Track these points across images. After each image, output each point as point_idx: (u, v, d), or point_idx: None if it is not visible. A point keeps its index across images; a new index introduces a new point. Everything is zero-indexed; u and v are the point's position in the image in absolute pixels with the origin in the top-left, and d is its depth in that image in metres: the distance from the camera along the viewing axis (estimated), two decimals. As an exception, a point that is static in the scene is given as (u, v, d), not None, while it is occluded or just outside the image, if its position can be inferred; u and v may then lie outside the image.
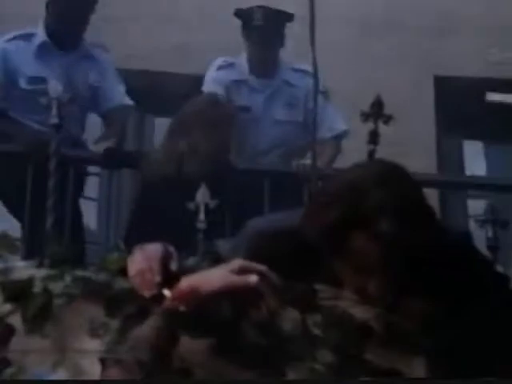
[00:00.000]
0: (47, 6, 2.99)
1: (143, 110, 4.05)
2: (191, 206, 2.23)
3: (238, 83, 3.23)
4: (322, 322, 1.52)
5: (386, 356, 1.52)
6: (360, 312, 1.55)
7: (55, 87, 2.45)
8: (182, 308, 1.37)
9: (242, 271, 1.40)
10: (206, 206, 2.20)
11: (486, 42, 4.02)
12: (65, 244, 1.56)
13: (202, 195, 2.24)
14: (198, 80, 3.30)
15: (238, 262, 1.43)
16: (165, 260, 1.45)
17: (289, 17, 3.25)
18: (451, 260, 1.53)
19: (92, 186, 3.58)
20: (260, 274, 1.40)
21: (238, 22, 3.21)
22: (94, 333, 1.46)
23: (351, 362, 1.49)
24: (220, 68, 3.27)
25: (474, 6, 4.07)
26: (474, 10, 4.08)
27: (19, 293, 1.44)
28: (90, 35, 3.09)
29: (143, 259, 1.46)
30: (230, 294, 1.40)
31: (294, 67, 3.25)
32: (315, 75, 2.17)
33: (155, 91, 4.05)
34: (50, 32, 3.00)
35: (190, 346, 1.47)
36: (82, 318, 1.47)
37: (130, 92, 3.22)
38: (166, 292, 1.39)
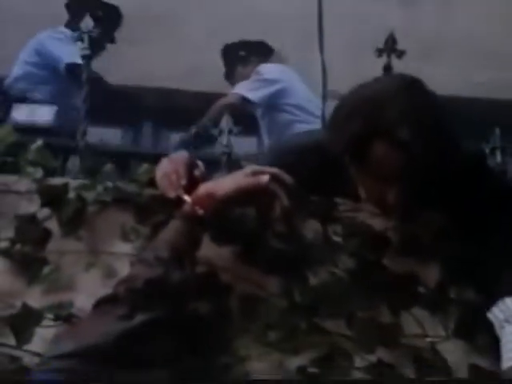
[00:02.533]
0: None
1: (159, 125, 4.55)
2: (215, 131, 2.31)
3: None
4: (342, 232, 1.59)
5: (403, 262, 1.59)
6: (378, 223, 1.62)
7: (87, 23, 2.57)
8: (200, 212, 1.45)
9: (255, 174, 1.47)
10: (230, 131, 2.27)
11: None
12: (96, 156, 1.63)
13: (226, 122, 2.31)
14: (209, 97, 3.69)
15: (250, 167, 1.50)
16: (190, 166, 1.53)
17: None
18: (466, 173, 1.59)
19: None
20: (272, 175, 1.47)
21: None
22: (125, 238, 1.54)
23: (369, 267, 1.56)
24: None
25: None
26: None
27: (55, 198, 1.53)
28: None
29: (170, 163, 1.54)
30: (244, 196, 1.47)
31: None
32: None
33: (170, 107, 4.45)
34: None
35: (216, 251, 1.56)
36: (114, 225, 1.55)
37: (146, 108, 3.64)
38: (187, 197, 1.47)
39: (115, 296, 1.41)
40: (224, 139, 2.29)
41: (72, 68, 3.53)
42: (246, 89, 3.99)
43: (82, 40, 2.55)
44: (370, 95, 1.52)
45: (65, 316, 1.45)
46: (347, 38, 4.36)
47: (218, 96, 3.92)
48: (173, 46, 4.45)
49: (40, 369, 1.32)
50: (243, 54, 4.15)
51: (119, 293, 1.41)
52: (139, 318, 1.37)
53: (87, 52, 2.56)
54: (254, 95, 3.94)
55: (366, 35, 3.86)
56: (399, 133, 1.45)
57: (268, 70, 4.10)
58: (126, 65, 3.97)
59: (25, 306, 1.44)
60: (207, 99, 3.83)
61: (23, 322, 1.43)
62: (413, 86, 1.53)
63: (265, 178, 1.47)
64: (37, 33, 3.90)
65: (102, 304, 1.42)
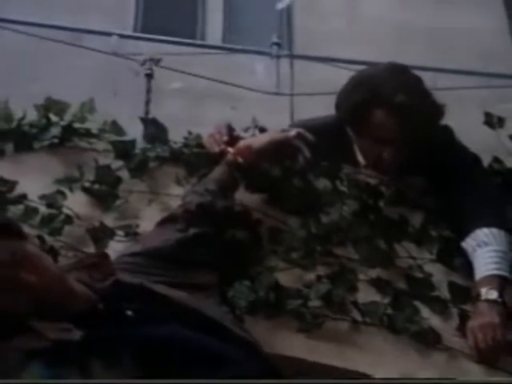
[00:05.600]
0: None
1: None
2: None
3: None
4: (346, 184, 2.04)
5: (395, 209, 2.02)
6: (373, 181, 2.07)
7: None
8: (240, 160, 1.90)
9: (284, 131, 1.95)
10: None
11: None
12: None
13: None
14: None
15: (280, 129, 1.98)
16: (230, 129, 2.00)
17: None
18: (439, 144, 2.07)
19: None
20: (297, 133, 1.94)
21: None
22: (178, 183, 1.98)
23: (369, 210, 1.99)
24: None
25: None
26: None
27: (125, 152, 1.98)
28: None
29: (214, 128, 2.01)
30: (274, 149, 1.93)
31: None
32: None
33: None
34: None
35: (249, 197, 2.00)
36: (170, 175, 2.00)
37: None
38: (229, 148, 1.93)
39: (174, 216, 1.84)
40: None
41: None
42: None
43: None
44: (371, 73, 2.03)
45: (132, 233, 1.86)
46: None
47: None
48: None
49: (115, 262, 1.72)
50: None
51: (177, 213, 1.84)
52: (192, 231, 1.79)
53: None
54: None
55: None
56: (395, 98, 1.94)
57: None
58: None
59: (102, 224, 1.86)
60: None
61: (101, 235, 1.84)
62: (403, 69, 2.04)
63: (291, 133, 1.94)
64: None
65: (164, 221, 1.84)
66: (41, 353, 1.38)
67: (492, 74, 4.34)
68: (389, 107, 1.95)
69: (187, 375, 1.41)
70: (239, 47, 4.61)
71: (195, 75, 4.01)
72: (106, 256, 1.64)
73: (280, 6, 4.76)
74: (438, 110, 2.01)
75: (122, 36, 4.16)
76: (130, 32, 4.55)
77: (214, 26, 5.37)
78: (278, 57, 4.40)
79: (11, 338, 1.41)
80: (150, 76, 3.52)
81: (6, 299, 1.42)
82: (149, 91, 3.57)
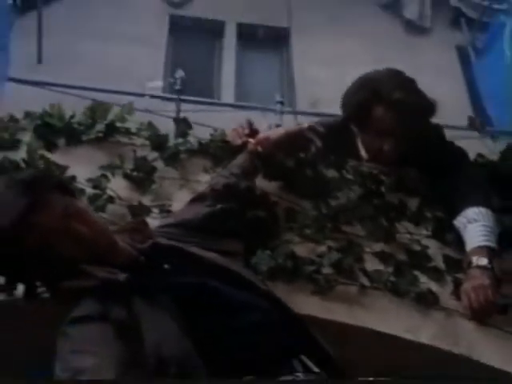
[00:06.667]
0: None
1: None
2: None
3: None
4: (352, 173, 2.33)
5: (395, 195, 2.31)
6: (375, 171, 2.35)
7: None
8: (259, 149, 2.19)
9: (298, 125, 2.25)
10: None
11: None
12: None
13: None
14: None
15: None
16: (250, 124, 2.30)
17: None
18: (430, 139, 2.37)
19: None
20: (310, 126, 2.24)
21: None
22: (205, 171, 2.27)
23: (372, 195, 2.28)
24: None
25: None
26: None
27: (160, 144, 2.27)
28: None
29: (236, 124, 2.31)
30: (289, 140, 2.23)
31: None
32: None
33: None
34: None
35: (267, 184, 2.28)
36: (199, 165, 2.29)
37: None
38: (250, 139, 2.22)
39: (203, 194, 2.11)
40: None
41: None
42: None
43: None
44: (371, 76, 2.34)
45: (165, 211, 2.14)
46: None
47: None
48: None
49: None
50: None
51: (206, 192, 2.11)
52: (219, 206, 2.06)
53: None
54: None
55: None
56: (393, 95, 2.25)
57: None
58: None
59: (140, 203, 2.14)
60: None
61: (139, 212, 2.11)
62: (399, 72, 2.36)
63: (304, 126, 2.24)
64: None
65: (194, 200, 2.11)
66: (91, 290, 1.59)
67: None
68: (387, 103, 2.26)
69: (216, 319, 1.59)
70: (249, 105, 5.32)
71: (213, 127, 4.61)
72: (145, 222, 1.89)
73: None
74: (430, 105, 2.32)
75: (152, 96, 4.97)
76: (159, 93, 5.35)
77: (227, 87, 6.44)
78: (282, 113, 4.98)
79: (66, 279, 1.63)
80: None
81: (61, 247, 1.63)
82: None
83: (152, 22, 6.63)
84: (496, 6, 5.60)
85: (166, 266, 1.69)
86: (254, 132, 2.27)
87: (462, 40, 6.60)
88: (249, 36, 6.99)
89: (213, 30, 6.93)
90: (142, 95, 4.83)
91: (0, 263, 1.68)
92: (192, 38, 6.84)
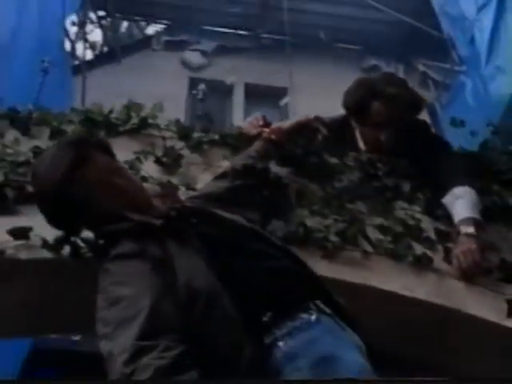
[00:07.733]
0: None
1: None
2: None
3: None
4: (352, 160, 2.66)
5: (390, 179, 2.63)
6: (373, 159, 2.69)
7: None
8: (273, 137, 2.52)
9: (306, 116, 2.60)
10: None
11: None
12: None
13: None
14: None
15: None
16: (264, 117, 2.63)
17: None
18: (418, 131, 2.71)
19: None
20: (316, 117, 2.58)
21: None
22: (225, 158, 2.59)
23: (370, 178, 2.61)
24: None
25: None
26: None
27: (186, 136, 2.60)
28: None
29: (250, 118, 2.64)
30: (299, 128, 2.56)
31: None
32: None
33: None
34: None
35: (279, 170, 2.60)
36: (218, 154, 2.62)
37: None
38: (265, 129, 2.56)
39: (224, 173, 2.42)
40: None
41: None
42: None
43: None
44: (369, 77, 2.70)
45: (191, 189, 2.44)
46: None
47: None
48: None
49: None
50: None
51: (227, 171, 2.43)
52: (239, 182, 2.37)
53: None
54: None
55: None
56: (387, 91, 2.60)
57: None
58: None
59: (169, 181, 2.44)
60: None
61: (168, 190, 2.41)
62: (392, 74, 2.73)
63: (311, 116, 2.58)
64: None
65: (216, 178, 2.42)
66: (130, 231, 1.77)
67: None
68: (383, 98, 2.61)
69: (238, 262, 1.74)
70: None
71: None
72: (175, 189, 2.19)
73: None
74: (419, 100, 2.68)
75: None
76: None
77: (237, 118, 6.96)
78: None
79: (108, 224, 1.84)
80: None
81: (104, 197, 1.88)
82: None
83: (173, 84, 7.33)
84: (457, 68, 6.22)
85: (193, 220, 1.87)
86: (267, 123, 2.61)
87: (430, 98, 7.23)
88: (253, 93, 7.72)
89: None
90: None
91: (54, 213, 1.94)
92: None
